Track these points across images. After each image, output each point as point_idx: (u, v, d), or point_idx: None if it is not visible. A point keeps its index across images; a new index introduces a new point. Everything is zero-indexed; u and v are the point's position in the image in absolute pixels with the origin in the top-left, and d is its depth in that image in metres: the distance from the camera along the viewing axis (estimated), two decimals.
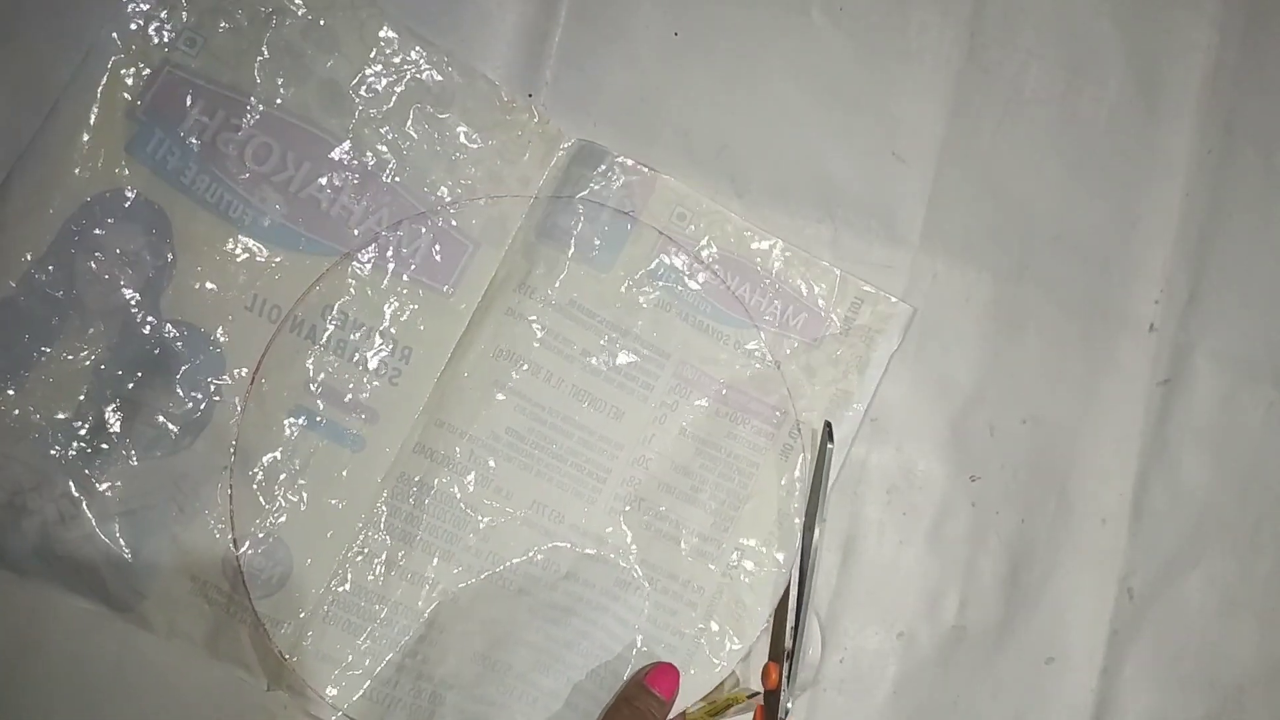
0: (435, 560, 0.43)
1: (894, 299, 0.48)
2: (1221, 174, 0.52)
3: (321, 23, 0.43)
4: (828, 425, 0.46)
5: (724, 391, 0.46)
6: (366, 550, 0.42)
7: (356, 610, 0.42)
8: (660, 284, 0.46)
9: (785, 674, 0.43)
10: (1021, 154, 0.51)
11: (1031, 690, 0.49)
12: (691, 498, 0.45)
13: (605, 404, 0.45)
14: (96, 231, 0.40)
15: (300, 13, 0.42)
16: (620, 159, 0.46)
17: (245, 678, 0.42)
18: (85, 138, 0.40)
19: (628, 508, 0.44)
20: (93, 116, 0.40)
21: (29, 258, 0.40)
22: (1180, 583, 0.50)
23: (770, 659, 0.44)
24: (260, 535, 0.41)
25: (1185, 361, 0.51)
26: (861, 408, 0.47)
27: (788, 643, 0.44)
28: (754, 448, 0.46)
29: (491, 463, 0.43)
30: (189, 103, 0.41)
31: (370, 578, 0.42)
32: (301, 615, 0.41)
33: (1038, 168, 0.51)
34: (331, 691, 0.41)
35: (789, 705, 0.43)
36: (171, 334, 0.41)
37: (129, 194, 0.41)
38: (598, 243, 0.45)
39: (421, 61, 0.44)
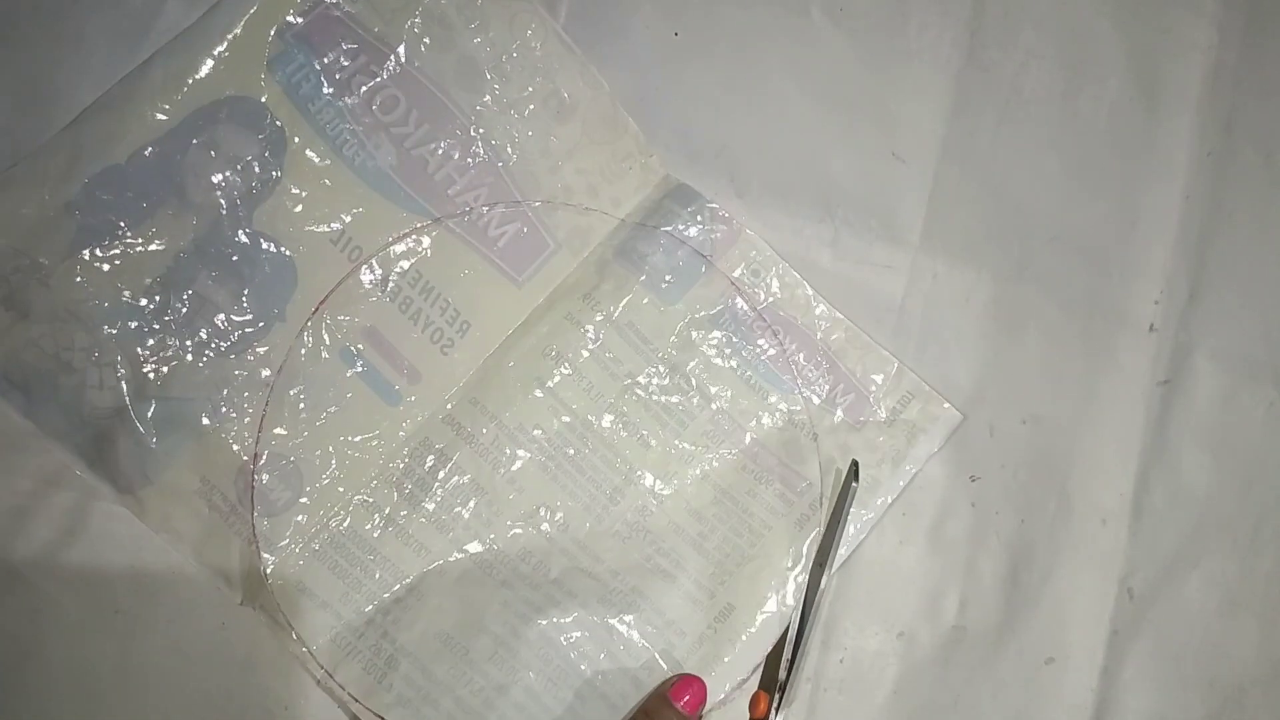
0: (433, 529, 0.43)
1: (946, 404, 0.48)
2: (1221, 174, 0.52)
3: (478, 2, 0.44)
4: (854, 464, 0.45)
5: (756, 449, 0.46)
6: (372, 500, 0.43)
7: (346, 554, 0.42)
8: (719, 331, 0.46)
9: (774, 705, 0.43)
10: (1021, 154, 0.51)
11: (1031, 690, 0.49)
12: (698, 543, 0.45)
13: (636, 430, 0.45)
14: (219, 129, 0.41)
15: None
16: (712, 205, 0.47)
17: (222, 588, 0.42)
18: (237, 36, 0.41)
19: (633, 535, 0.44)
20: (247, 23, 0.41)
21: (147, 136, 0.40)
22: (1180, 583, 0.50)
23: (760, 688, 0.44)
24: (279, 456, 0.41)
25: (1185, 361, 0.51)
26: (888, 500, 0.47)
27: (781, 674, 0.43)
28: (771, 510, 0.46)
29: (512, 453, 0.44)
30: (338, 40, 0.42)
31: (368, 527, 0.42)
32: (295, 544, 0.42)
33: (1038, 168, 0.51)
34: (300, 625, 0.41)
35: None
36: (256, 246, 0.41)
37: (259, 104, 0.41)
38: (669, 277, 0.46)
39: (558, 64, 0.45)
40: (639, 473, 0.45)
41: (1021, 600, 0.49)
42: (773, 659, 0.44)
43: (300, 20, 0.42)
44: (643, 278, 0.45)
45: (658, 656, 0.43)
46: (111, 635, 0.41)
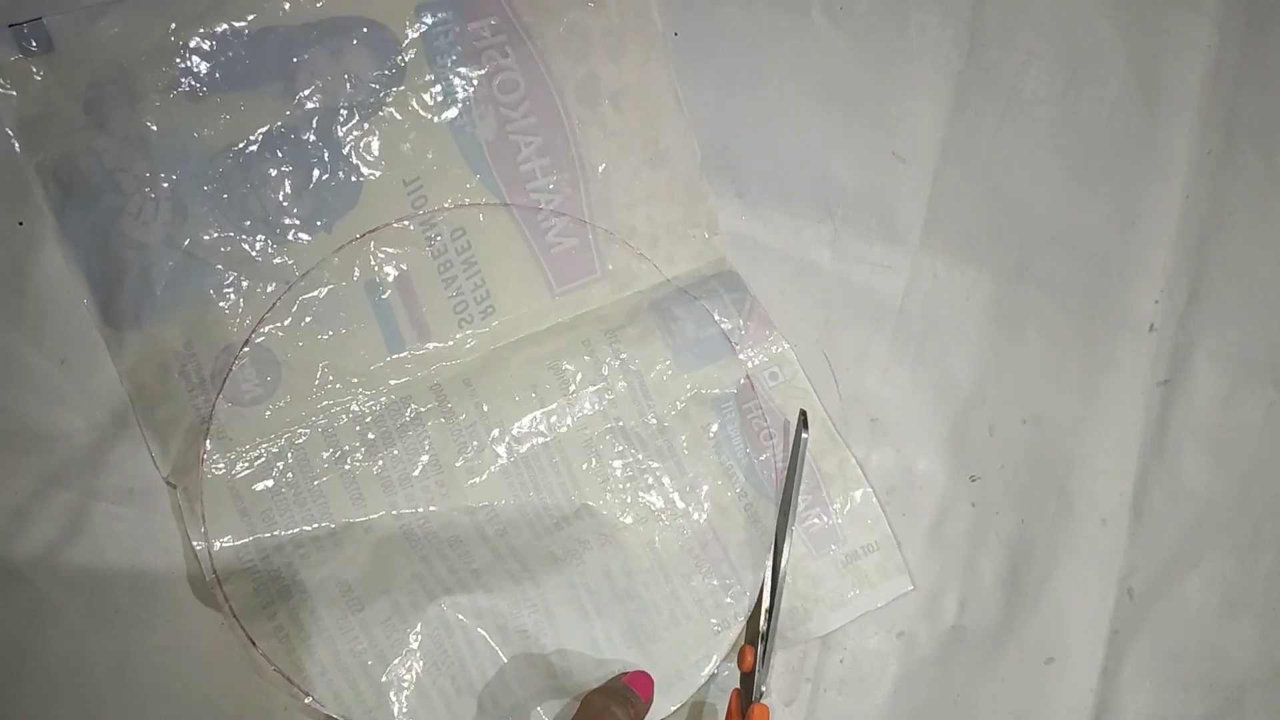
0: (378, 485, 0.42)
1: (904, 575, 0.47)
2: (1221, 174, 0.52)
3: (623, 35, 0.45)
4: (803, 414, 0.46)
5: (709, 537, 0.45)
6: (334, 433, 0.42)
7: (287, 474, 0.41)
8: (719, 417, 0.46)
9: (760, 656, 0.43)
10: (1021, 154, 0.51)
11: (1031, 690, 0.49)
12: (620, 599, 0.43)
13: (605, 473, 0.44)
14: (349, 44, 0.41)
15: (610, 18, 0.45)
16: (755, 300, 0.47)
17: (150, 451, 0.41)
18: None
19: (567, 559, 0.43)
20: None
21: (281, 19, 0.41)
22: (1180, 583, 0.50)
23: (746, 642, 0.44)
24: (267, 352, 0.41)
25: (1185, 361, 0.51)
26: (811, 632, 0.46)
27: (762, 625, 0.44)
28: (698, 603, 0.44)
29: (481, 444, 0.43)
30: (490, 13, 0.43)
31: (321, 456, 0.42)
32: (243, 443, 0.41)
33: (1038, 168, 0.51)
34: (211, 522, 0.41)
35: (764, 688, 0.43)
36: (335, 158, 0.42)
37: (395, 39, 0.42)
38: (692, 348, 0.46)
39: (667, 117, 0.46)
40: (591, 512, 0.44)
41: (1021, 600, 0.49)
42: (754, 615, 0.44)
43: None
44: (669, 339, 0.45)
45: (542, 679, 0.42)
46: (111, 635, 0.41)
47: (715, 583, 0.44)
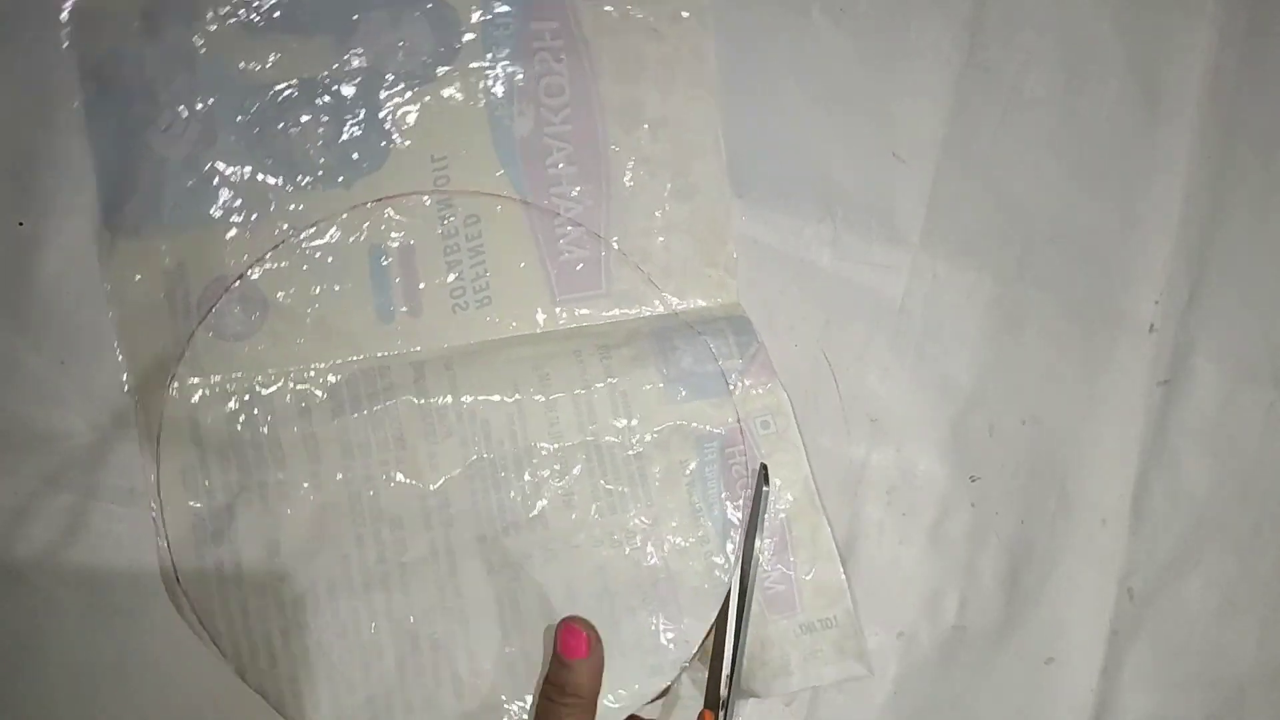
0: (337, 449, 0.42)
1: (859, 661, 0.45)
2: (1221, 175, 0.52)
3: (674, 69, 0.46)
4: (764, 467, 0.44)
5: (660, 575, 0.43)
6: (305, 387, 0.42)
7: (249, 414, 0.41)
8: (699, 455, 0.44)
9: None
10: (1021, 154, 0.51)
11: (1031, 690, 0.49)
12: (550, 619, 0.42)
13: (568, 486, 0.43)
14: (411, 14, 0.42)
15: (667, 49, 0.46)
16: (762, 346, 0.46)
17: (118, 362, 0.41)
18: None
19: (501, 570, 0.42)
20: None
21: None
22: (1180, 583, 0.50)
23: (705, 707, 0.43)
24: (258, 291, 0.41)
25: (1185, 361, 0.51)
26: (747, 691, 0.45)
27: (723, 692, 0.42)
28: (637, 641, 0.42)
29: (448, 432, 0.43)
30: (553, 18, 0.44)
31: (284, 405, 0.41)
32: (214, 375, 0.41)
33: (1038, 168, 0.51)
34: (168, 443, 0.41)
35: None
36: (371, 120, 0.42)
37: (458, 22, 0.43)
38: (686, 381, 0.45)
39: (703, 154, 0.46)
40: (545, 524, 0.43)
41: (1021, 600, 0.49)
42: (713, 678, 0.43)
43: None
44: (663, 367, 0.45)
45: (441, 693, 0.41)
46: (111, 636, 0.41)
47: (657, 623, 0.43)
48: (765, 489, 0.44)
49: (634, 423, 0.44)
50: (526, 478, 0.43)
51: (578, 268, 0.45)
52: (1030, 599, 0.49)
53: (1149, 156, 0.52)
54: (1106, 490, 0.50)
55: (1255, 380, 0.51)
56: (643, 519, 0.44)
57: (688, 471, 0.44)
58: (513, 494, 0.43)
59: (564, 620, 0.41)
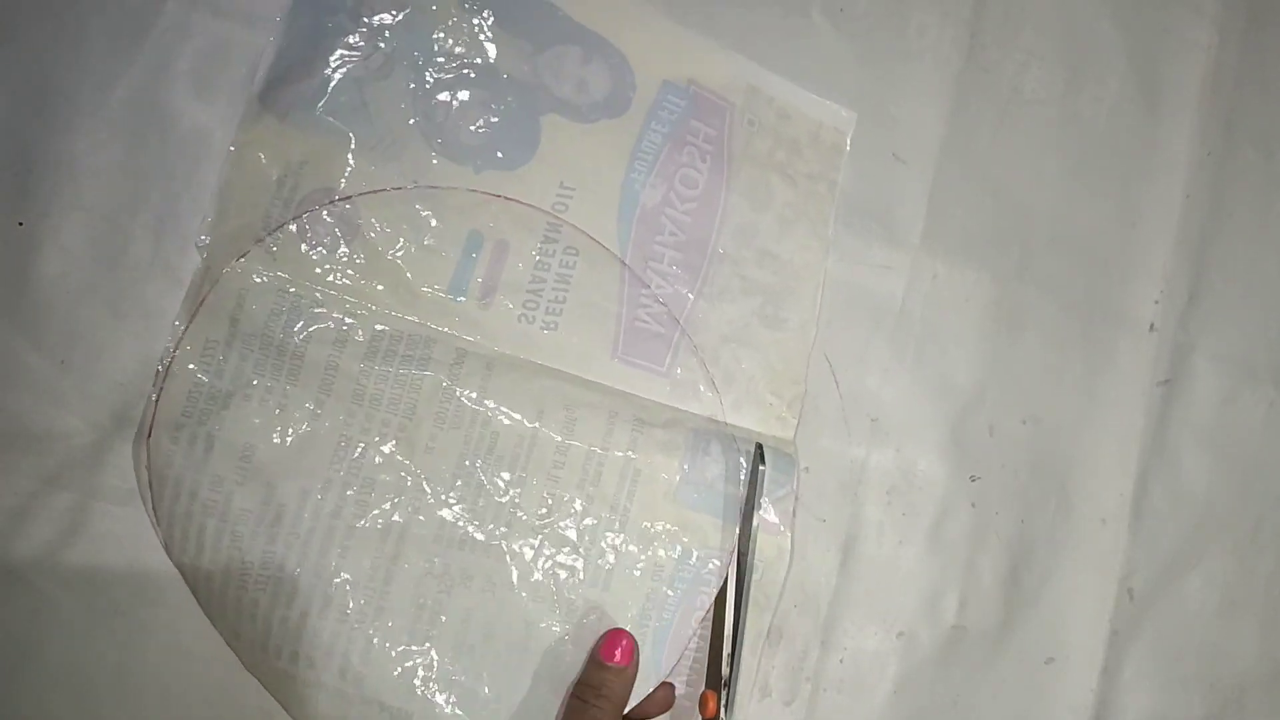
0: (351, 389, 0.42)
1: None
2: (1221, 174, 0.52)
3: (798, 209, 0.48)
4: (759, 447, 0.44)
5: (584, 655, 0.43)
6: (346, 329, 0.42)
7: (291, 319, 0.41)
8: (674, 570, 0.44)
9: (722, 702, 0.42)
10: (1021, 154, 0.51)
11: (1031, 690, 0.49)
12: (459, 648, 0.42)
13: (538, 539, 0.43)
14: (603, 62, 0.45)
15: (796, 195, 0.48)
16: (795, 497, 0.46)
17: (207, 215, 0.41)
18: (675, 41, 0.47)
19: (433, 578, 0.42)
20: (686, 50, 0.47)
21: (580, 17, 0.45)
22: (1180, 583, 0.50)
23: (707, 687, 0.43)
24: (356, 217, 0.42)
25: (1185, 361, 0.51)
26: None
27: (724, 670, 0.42)
28: (523, 714, 0.42)
29: (456, 425, 0.42)
30: (711, 121, 0.47)
31: (324, 330, 0.42)
32: (277, 269, 0.41)
33: (1038, 168, 0.51)
34: (208, 310, 0.41)
35: None
36: (525, 127, 0.44)
37: (635, 88, 0.46)
38: (704, 489, 0.44)
39: (801, 284, 0.48)
40: (500, 557, 0.42)
41: (1021, 600, 0.49)
42: (714, 658, 0.43)
43: (702, 88, 0.47)
44: (686, 465, 0.44)
45: (329, 663, 0.40)
46: (111, 636, 0.41)
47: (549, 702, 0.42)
48: (761, 468, 0.44)
49: (630, 505, 0.43)
50: (506, 505, 0.43)
51: (648, 339, 0.45)
52: (1030, 599, 0.49)
53: (1149, 156, 0.52)
54: (1106, 490, 0.50)
55: (1255, 380, 0.51)
56: (592, 597, 0.43)
57: (656, 577, 0.43)
58: (486, 513, 0.42)
59: (610, 630, 0.42)
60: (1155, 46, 0.52)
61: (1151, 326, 0.51)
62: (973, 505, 0.49)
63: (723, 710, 0.42)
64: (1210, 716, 0.50)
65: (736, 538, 0.44)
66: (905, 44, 0.50)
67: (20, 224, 0.41)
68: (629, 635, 0.41)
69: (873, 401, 0.49)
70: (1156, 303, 0.51)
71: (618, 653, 0.41)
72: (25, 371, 0.41)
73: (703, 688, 0.44)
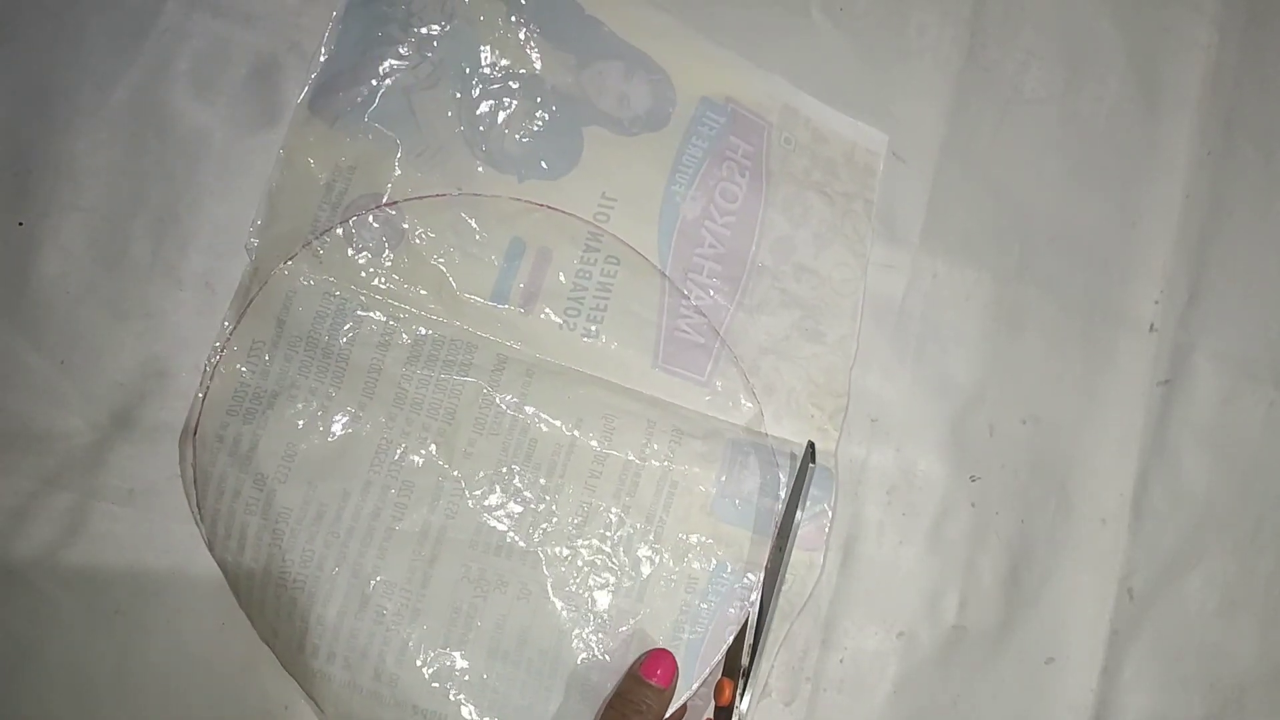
0: (393, 392, 0.42)
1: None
2: (1221, 174, 0.52)
3: (835, 229, 0.48)
4: (810, 445, 0.44)
5: (622, 666, 0.42)
6: (394, 322, 0.42)
7: (337, 322, 0.42)
8: (709, 581, 0.44)
9: (739, 691, 0.42)
10: (1021, 154, 0.51)
11: (1031, 690, 0.49)
12: (491, 653, 0.42)
13: (575, 546, 0.43)
14: (645, 78, 0.46)
15: (834, 215, 0.48)
16: (830, 513, 0.46)
17: (257, 216, 0.42)
18: (709, 60, 0.47)
19: (469, 583, 0.42)
20: (723, 69, 0.47)
21: (624, 34, 0.46)
22: (1180, 583, 0.50)
23: (725, 675, 0.43)
24: (401, 221, 0.43)
25: (1185, 361, 0.51)
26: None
27: (744, 660, 0.43)
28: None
29: (493, 430, 0.43)
30: (749, 137, 0.47)
31: (368, 333, 0.42)
32: (324, 273, 0.42)
33: (1038, 168, 0.51)
34: (256, 310, 0.42)
35: None
36: (568, 139, 0.45)
37: (675, 104, 0.47)
38: (738, 499, 0.44)
39: (840, 302, 0.48)
40: (535, 565, 0.42)
41: (1021, 600, 0.49)
42: (734, 647, 0.43)
43: (740, 106, 0.47)
44: (724, 477, 0.44)
45: (364, 664, 0.41)
46: (111, 636, 0.41)
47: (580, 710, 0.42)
48: (811, 466, 0.43)
49: (666, 516, 0.43)
50: (542, 513, 0.43)
51: (688, 348, 0.45)
52: (1030, 599, 0.49)
53: (1149, 156, 0.52)
54: (1106, 490, 0.50)
55: (1255, 380, 0.51)
56: (626, 609, 0.43)
57: (690, 590, 0.43)
58: (523, 520, 0.43)
59: (654, 649, 0.41)
60: (1155, 46, 0.52)
61: (1151, 326, 0.51)
62: (973, 505, 0.49)
63: (738, 698, 0.42)
64: (1210, 716, 0.50)
65: (768, 552, 0.44)
66: (905, 43, 0.50)
67: (20, 224, 0.41)
68: (671, 657, 0.41)
69: (873, 401, 0.49)
70: (1156, 303, 0.51)
71: (659, 672, 0.41)
72: (25, 371, 0.41)
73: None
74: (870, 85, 0.50)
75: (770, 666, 0.46)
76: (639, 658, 0.42)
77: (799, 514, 0.43)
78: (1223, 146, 0.52)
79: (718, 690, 0.43)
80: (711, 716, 0.43)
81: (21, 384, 0.41)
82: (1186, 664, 0.50)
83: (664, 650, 0.42)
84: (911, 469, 0.49)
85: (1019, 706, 0.49)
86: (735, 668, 0.43)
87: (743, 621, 0.44)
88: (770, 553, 0.44)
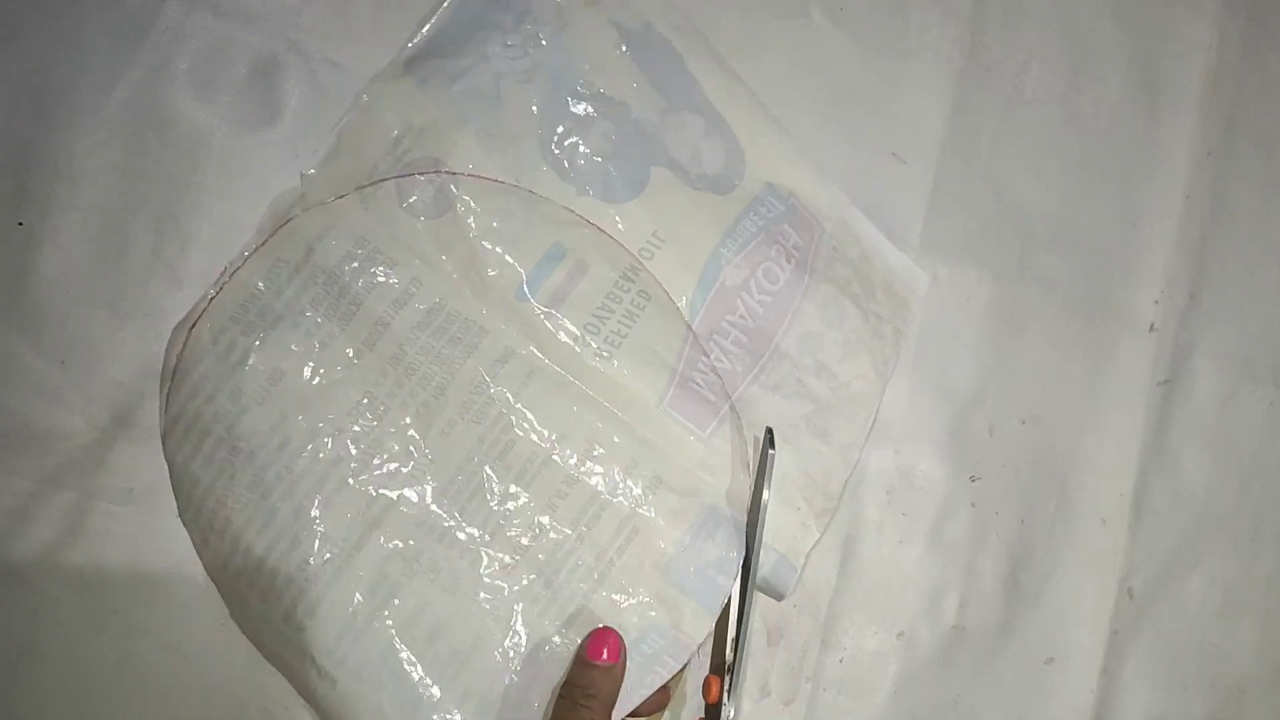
0: (393, 351, 0.42)
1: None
2: (1221, 174, 0.52)
3: (863, 341, 0.48)
4: (769, 432, 0.44)
5: (533, 679, 0.41)
6: (415, 286, 0.43)
7: (361, 269, 0.42)
8: (635, 647, 0.42)
9: (726, 688, 0.42)
10: (1021, 154, 0.51)
11: (1031, 690, 0.49)
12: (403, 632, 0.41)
13: (512, 559, 0.42)
14: (720, 139, 0.47)
15: (864, 326, 0.48)
16: (795, 591, 0.46)
17: (324, 152, 0.43)
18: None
19: (406, 560, 0.41)
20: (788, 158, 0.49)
21: (710, 90, 0.48)
22: (1180, 583, 0.50)
23: (711, 672, 0.43)
24: (454, 190, 0.43)
25: (1185, 361, 0.51)
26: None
27: (728, 656, 0.42)
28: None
29: (477, 418, 0.42)
30: (801, 233, 0.48)
31: (390, 285, 0.42)
32: (365, 226, 0.42)
33: (1038, 168, 0.51)
34: (284, 238, 0.42)
35: (730, 718, 0.42)
36: (635, 170, 0.46)
37: (743, 176, 0.48)
38: (695, 567, 0.43)
39: (852, 424, 0.48)
40: (472, 563, 0.42)
41: (1021, 600, 0.49)
42: (718, 643, 0.43)
43: (801, 202, 0.48)
44: (686, 540, 0.43)
45: (282, 596, 0.41)
46: (110, 636, 0.41)
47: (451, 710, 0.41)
48: (771, 452, 0.43)
49: (617, 560, 0.42)
50: (496, 515, 0.42)
51: (697, 401, 0.45)
52: (1030, 599, 0.49)
53: (1149, 156, 0.52)
54: (1106, 490, 0.50)
55: (1255, 380, 0.51)
56: (547, 638, 0.41)
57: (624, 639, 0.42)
58: (475, 516, 0.42)
59: (596, 629, 0.41)
60: (1156, 45, 0.52)
61: (1151, 326, 0.51)
62: (973, 505, 0.49)
63: (725, 695, 0.42)
64: (1210, 716, 0.50)
65: (742, 541, 0.43)
66: (906, 43, 0.50)
67: (20, 224, 0.41)
68: (615, 633, 0.41)
69: None
70: (1156, 303, 0.51)
71: (605, 651, 0.40)
72: (25, 371, 0.41)
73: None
74: (870, 85, 0.50)
75: (770, 666, 0.46)
76: (582, 641, 0.41)
77: (765, 496, 0.43)
78: (1223, 146, 0.52)
79: (705, 688, 0.43)
80: (703, 717, 0.43)
81: (21, 384, 0.41)
82: (1186, 664, 0.50)
83: (607, 628, 0.41)
84: (911, 469, 0.49)
85: (1019, 706, 0.49)
86: (721, 663, 0.42)
87: (654, 690, 0.42)
88: (744, 543, 0.43)
